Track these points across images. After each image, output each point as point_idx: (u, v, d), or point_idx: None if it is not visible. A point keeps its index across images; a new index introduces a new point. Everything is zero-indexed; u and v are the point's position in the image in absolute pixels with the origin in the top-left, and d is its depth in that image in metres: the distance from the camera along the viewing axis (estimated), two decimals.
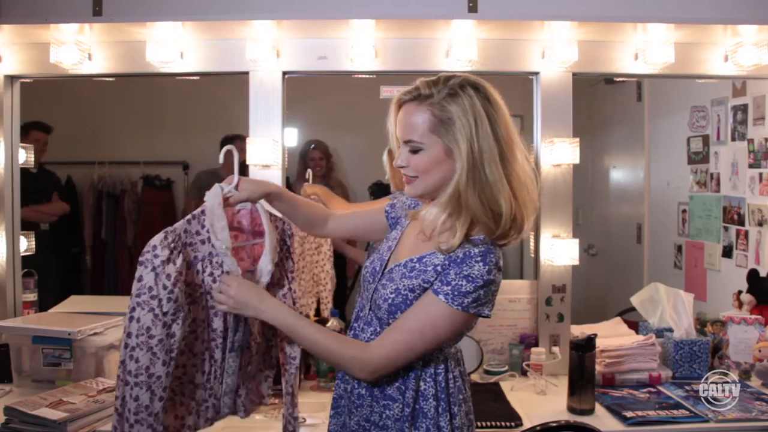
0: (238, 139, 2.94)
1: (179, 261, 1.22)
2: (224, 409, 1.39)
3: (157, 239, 1.20)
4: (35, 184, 2.73)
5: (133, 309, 1.19)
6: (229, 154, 1.30)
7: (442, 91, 1.17)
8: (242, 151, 2.93)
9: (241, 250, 1.37)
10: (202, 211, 1.27)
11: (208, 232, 1.26)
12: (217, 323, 1.32)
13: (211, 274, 1.29)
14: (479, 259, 1.17)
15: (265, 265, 1.32)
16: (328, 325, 1.99)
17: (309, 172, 2.41)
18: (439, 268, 1.19)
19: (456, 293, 1.15)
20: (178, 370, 1.28)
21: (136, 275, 1.20)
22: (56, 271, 2.85)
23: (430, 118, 1.18)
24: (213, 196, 1.26)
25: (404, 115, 1.22)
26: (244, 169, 2.22)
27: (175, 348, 1.22)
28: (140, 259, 1.19)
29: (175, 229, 1.23)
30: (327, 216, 1.48)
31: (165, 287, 1.19)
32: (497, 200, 1.16)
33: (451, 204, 1.18)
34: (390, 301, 1.21)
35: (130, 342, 1.20)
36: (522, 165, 1.21)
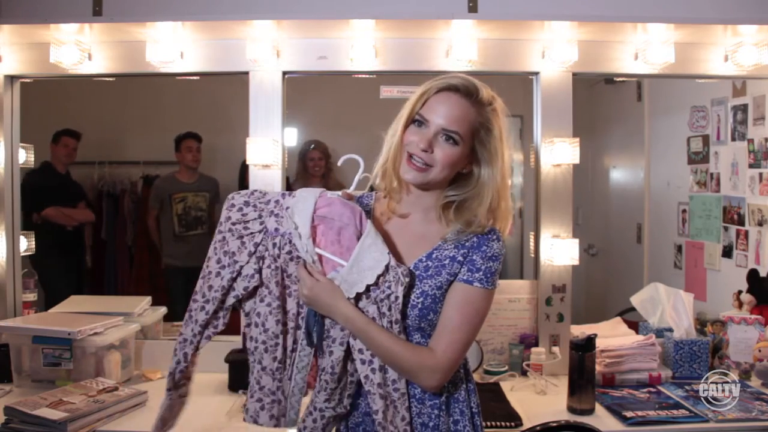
0: (191, 138, 2.97)
1: (252, 215, 1.25)
2: (291, 413, 1.29)
3: (242, 191, 1.28)
4: (62, 186, 2.77)
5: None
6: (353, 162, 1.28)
7: (490, 105, 1.23)
8: (197, 150, 2.98)
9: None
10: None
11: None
12: (291, 304, 1.27)
13: (290, 252, 1.24)
14: (494, 237, 1.24)
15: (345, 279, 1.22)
16: None
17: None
18: (459, 257, 1.22)
19: (488, 275, 1.22)
20: (250, 342, 1.27)
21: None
22: (73, 269, 2.87)
23: (477, 121, 1.21)
24: (310, 192, 1.26)
25: (456, 104, 1.20)
26: (244, 170, 2.23)
27: (218, 297, 1.24)
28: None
29: (265, 193, 1.28)
30: None
31: (229, 230, 1.25)
32: (501, 213, 1.25)
33: (489, 208, 1.24)
34: (420, 305, 1.21)
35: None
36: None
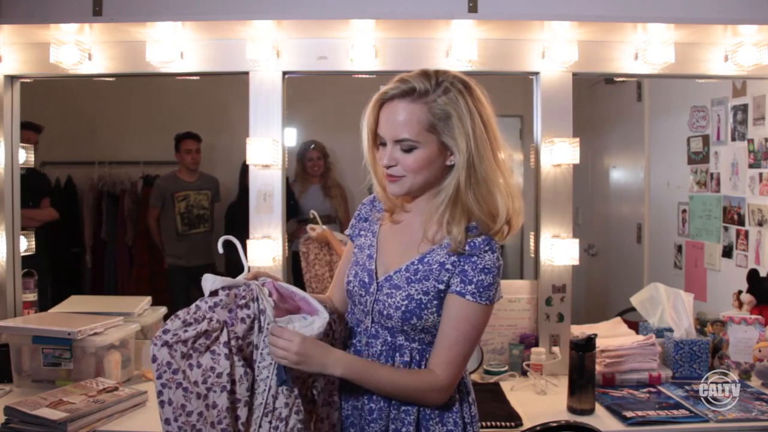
0: (191, 138, 2.97)
1: (196, 326, 1.13)
2: None
3: (167, 321, 1.15)
4: (24, 186, 2.72)
5: (159, 392, 1.11)
6: (228, 245, 1.26)
7: (437, 88, 1.16)
8: (196, 152, 2.97)
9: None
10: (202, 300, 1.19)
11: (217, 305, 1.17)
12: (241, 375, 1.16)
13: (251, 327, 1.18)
14: (487, 248, 1.20)
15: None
16: None
17: (313, 213, 2.44)
18: (448, 265, 1.19)
19: (481, 290, 1.18)
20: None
21: (151, 356, 1.12)
22: (47, 271, 2.83)
23: (428, 115, 1.16)
24: (209, 278, 1.19)
25: (395, 111, 1.17)
26: (245, 170, 2.23)
27: (224, 421, 1.12)
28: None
29: (177, 315, 1.17)
30: (329, 298, 1.42)
31: (188, 354, 1.12)
32: (493, 196, 1.18)
33: (452, 202, 1.19)
34: (403, 308, 1.20)
35: (170, 429, 1.10)
36: (507, 162, 1.22)
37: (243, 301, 1.17)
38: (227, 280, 1.19)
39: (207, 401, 1.11)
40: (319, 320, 1.18)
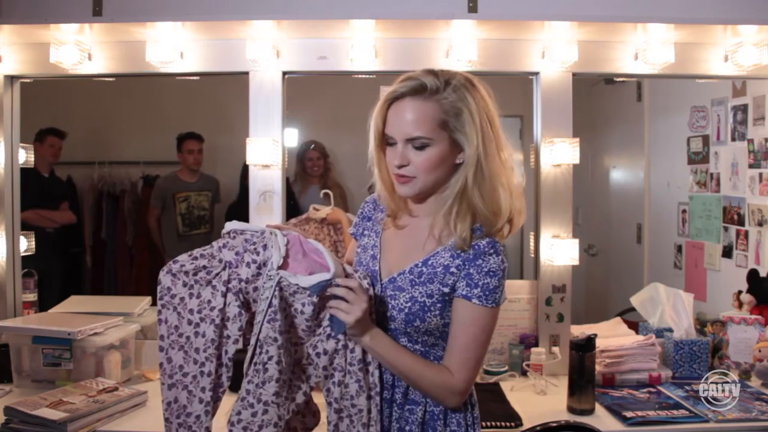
0: (193, 138, 2.97)
1: (203, 261, 1.23)
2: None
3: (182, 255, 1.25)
4: (45, 188, 2.75)
5: (159, 312, 1.24)
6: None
7: (447, 86, 1.16)
8: (198, 152, 2.98)
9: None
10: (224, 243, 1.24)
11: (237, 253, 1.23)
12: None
13: (258, 273, 1.21)
14: (492, 251, 1.19)
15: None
16: None
17: (326, 192, 2.35)
18: (453, 268, 1.19)
19: (487, 293, 1.17)
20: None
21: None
22: (57, 272, 2.85)
23: (439, 113, 1.16)
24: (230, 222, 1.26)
25: (406, 110, 1.17)
26: (245, 170, 2.23)
27: (208, 350, 1.20)
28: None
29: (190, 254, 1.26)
30: None
31: (190, 285, 1.23)
32: (497, 194, 1.19)
33: (458, 199, 1.19)
34: (407, 310, 1.20)
35: (163, 344, 1.23)
36: (509, 160, 1.22)
37: (252, 246, 1.21)
38: (244, 225, 1.24)
39: (197, 329, 1.21)
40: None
